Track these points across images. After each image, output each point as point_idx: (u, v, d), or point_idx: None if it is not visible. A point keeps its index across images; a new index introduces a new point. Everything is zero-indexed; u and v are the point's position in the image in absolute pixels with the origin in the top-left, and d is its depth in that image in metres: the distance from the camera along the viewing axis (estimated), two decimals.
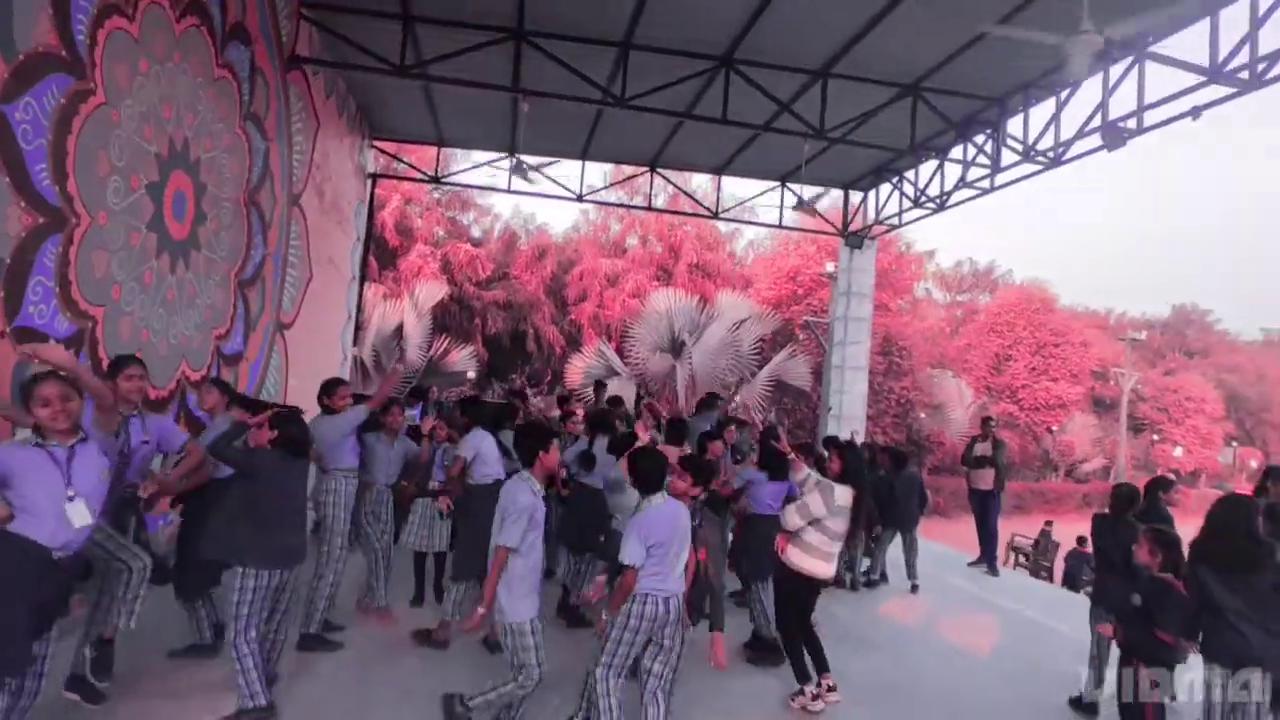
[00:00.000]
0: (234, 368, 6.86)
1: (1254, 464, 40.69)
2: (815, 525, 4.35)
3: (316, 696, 3.90)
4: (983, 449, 9.02)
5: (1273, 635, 3.58)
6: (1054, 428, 31.46)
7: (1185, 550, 4.06)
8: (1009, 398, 31.30)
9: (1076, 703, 4.79)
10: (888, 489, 7.65)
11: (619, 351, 20.91)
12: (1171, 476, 5.54)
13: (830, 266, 17.48)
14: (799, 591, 4.46)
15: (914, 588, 7.63)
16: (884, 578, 7.84)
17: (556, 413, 8.45)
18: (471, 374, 20.19)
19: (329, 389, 5.03)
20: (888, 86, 8.68)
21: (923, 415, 25.48)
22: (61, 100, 3.99)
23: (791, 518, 4.40)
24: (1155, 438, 37.37)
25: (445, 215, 24.17)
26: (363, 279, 12.59)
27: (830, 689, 4.38)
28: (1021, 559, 15.65)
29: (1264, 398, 41.64)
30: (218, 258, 6.24)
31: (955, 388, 27.82)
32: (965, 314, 39.90)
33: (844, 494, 4.38)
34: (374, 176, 12.47)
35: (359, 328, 13.17)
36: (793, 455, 4.83)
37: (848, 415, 13.42)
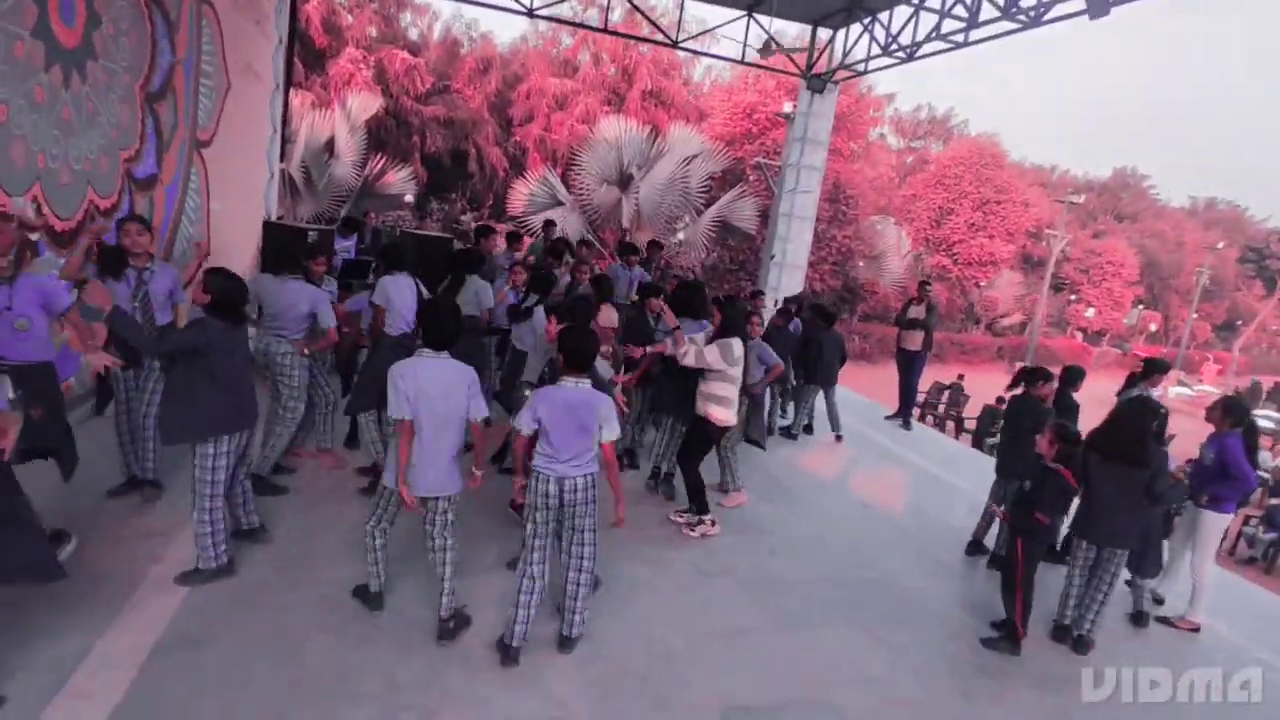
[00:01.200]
0: (148, 192, 6.33)
1: (1153, 327, 43.65)
2: (720, 377, 4.81)
3: (263, 550, 4.01)
4: (916, 312, 9.32)
5: (1135, 518, 4.10)
6: (983, 283, 32.65)
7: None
8: (945, 251, 32.02)
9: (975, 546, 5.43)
10: (816, 347, 7.93)
11: (564, 179, 20.17)
12: (1083, 369, 5.90)
13: (788, 107, 16.78)
14: (710, 436, 5.00)
15: (838, 438, 8.21)
16: (809, 430, 8.35)
17: (501, 247, 8.18)
18: (410, 197, 19.23)
19: (312, 252, 4.88)
20: None
21: (861, 264, 25.94)
22: None
23: (689, 358, 4.75)
24: (1072, 298, 39.34)
25: (378, 14, 21.77)
26: (288, 86, 11.45)
27: (713, 523, 5.11)
28: (930, 416, 16.76)
29: (1177, 264, 43.76)
30: (118, 68, 5.54)
31: (895, 237, 28.16)
32: (916, 162, 39.59)
33: (738, 345, 4.84)
34: None
35: (286, 141, 12.15)
36: (676, 326, 4.96)
37: (791, 263, 13.54)
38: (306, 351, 4.59)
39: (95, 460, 4.20)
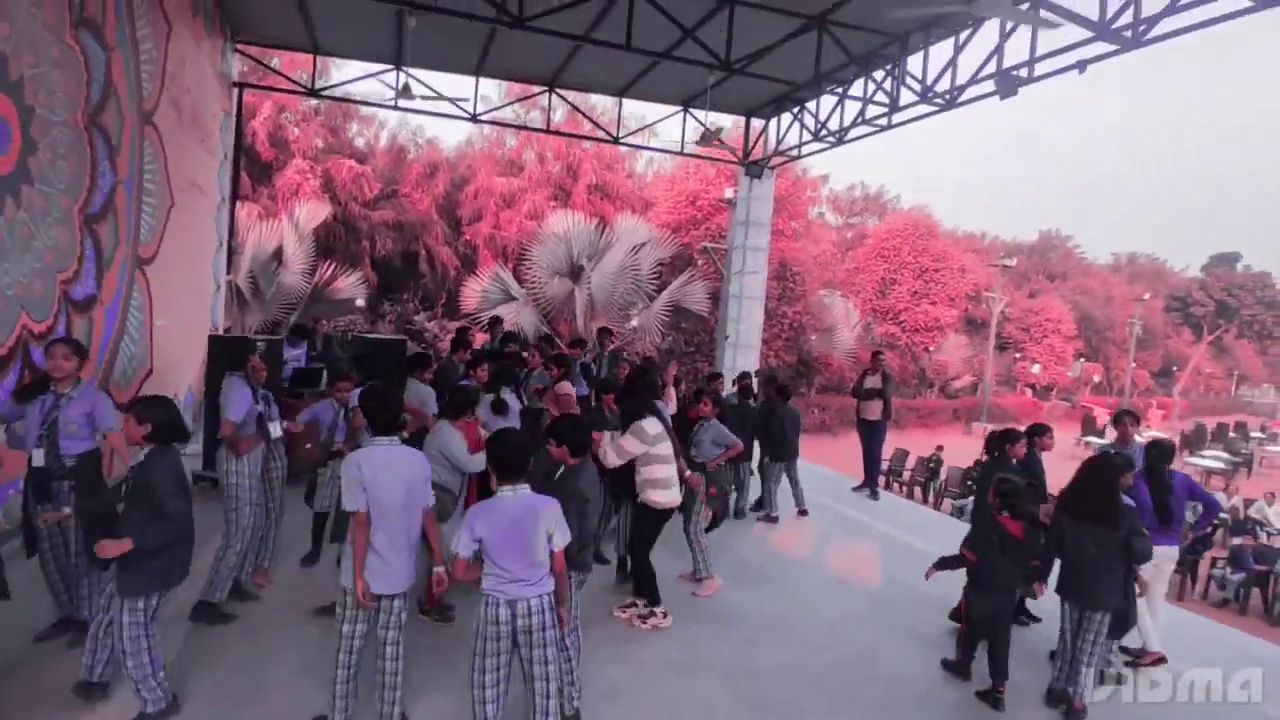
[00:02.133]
0: (86, 314, 6.16)
1: (1096, 378, 45.21)
2: (650, 460, 4.75)
3: (214, 681, 3.72)
4: (873, 382, 9.48)
5: (1114, 579, 4.08)
6: (931, 348, 33.59)
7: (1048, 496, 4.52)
8: (892, 320, 33.00)
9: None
10: (777, 422, 7.93)
11: (516, 274, 20.39)
12: (1047, 425, 6.00)
13: (729, 193, 17.43)
14: (656, 521, 4.89)
15: (802, 512, 8.14)
16: (773, 518, 8.11)
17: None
18: (361, 301, 19.17)
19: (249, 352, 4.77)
20: (793, 17, 8.50)
21: (813, 338, 26.50)
22: None
23: (610, 457, 4.65)
24: (1018, 355, 40.68)
25: (324, 126, 22.27)
26: (234, 199, 11.51)
27: (665, 615, 4.93)
28: (897, 483, 16.87)
29: (1109, 318, 45.81)
30: (55, 191, 5.48)
31: (843, 309, 28.99)
32: (855, 237, 41.25)
33: (651, 423, 4.75)
34: (240, 86, 11.25)
35: (233, 252, 12.11)
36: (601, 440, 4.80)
37: (744, 343, 13.78)
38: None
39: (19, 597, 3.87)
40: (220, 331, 10.65)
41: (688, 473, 5.24)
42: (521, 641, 2.98)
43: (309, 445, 5.21)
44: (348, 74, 13.20)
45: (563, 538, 3.05)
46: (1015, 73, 7.58)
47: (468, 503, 4.94)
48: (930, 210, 37.79)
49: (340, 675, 3.24)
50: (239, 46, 10.93)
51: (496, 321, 9.57)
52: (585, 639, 3.90)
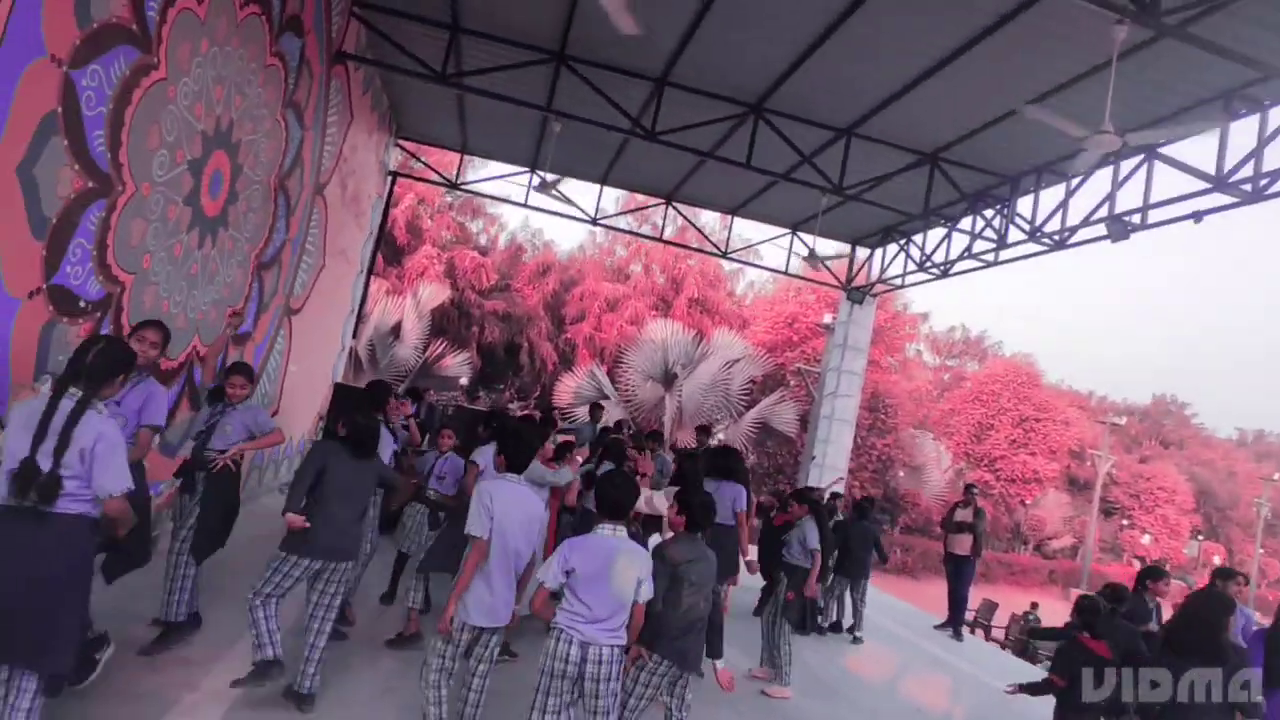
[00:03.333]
0: (241, 347, 6.91)
1: (1216, 559, 41.13)
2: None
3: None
4: (964, 515, 9.18)
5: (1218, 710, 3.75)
6: (1027, 501, 31.76)
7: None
8: (987, 466, 31.61)
9: None
10: (843, 537, 7.73)
11: (610, 376, 21.03)
12: (1164, 567, 5.70)
13: (828, 318, 17.75)
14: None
15: (856, 639, 7.71)
16: (837, 627, 7.88)
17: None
18: (464, 380, 20.22)
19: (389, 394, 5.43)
20: (907, 152, 8.96)
21: (901, 474, 25.69)
22: (126, 72, 4.11)
23: (642, 505, 4.94)
24: (1125, 523, 37.75)
25: (455, 220, 24.33)
26: (370, 273, 12.68)
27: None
28: (980, 631, 15.71)
29: (1232, 495, 42.21)
30: (242, 238, 6.34)
31: (934, 450, 28.10)
32: (953, 379, 40.39)
33: (661, 498, 5.05)
34: (394, 175, 12.63)
35: (359, 320, 13.22)
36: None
37: (830, 465, 13.56)
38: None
39: (143, 592, 4.24)
40: None
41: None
42: (588, 690, 2.93)
43: (414, 481, 5.62)
44: (485, 174, 14.67)
45: (648, 592, 3.05)
46: (1129, 218, 7.67)
47: (547, 536, 5.14)
48: (1034, 359, 36.60)
49: (431, 696, 3.31)
50: (399, 141, 12.39)
51: (597, 407, 9.93)
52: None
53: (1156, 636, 4.46)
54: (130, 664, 3.74)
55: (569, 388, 20.41)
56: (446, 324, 21.52)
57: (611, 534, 3.06)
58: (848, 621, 7.93)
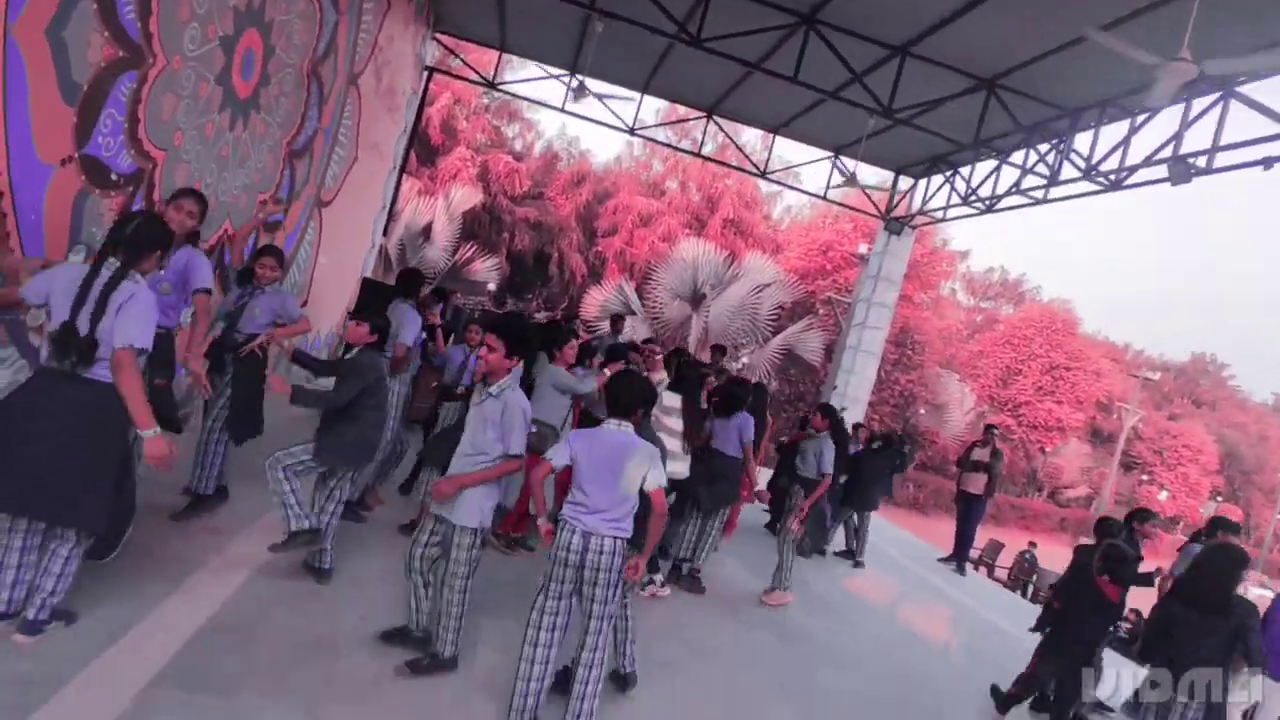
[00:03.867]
0: (271, 235, 6.95)
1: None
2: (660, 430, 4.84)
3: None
4: (981, 455, 9.18)
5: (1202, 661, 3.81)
6: (1048, 449, 31.65)
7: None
8: (1010, 411, 31.39)
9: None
10: (854, 467, 7.73)
11: (638, 292, 20.94)
12: (1153, 512, 5.68)
13: (863, 247, 17.35)
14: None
15: (858, 563, 7.87)
16: (847, 554, 8.04)
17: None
18: (492, 286, 20.28)
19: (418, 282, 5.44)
20: (964, 76, 8.50)
21: (922, 411, 25.63)
22: None
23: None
24: (1144, 478, 37.59)
25: (491, 123, 23.85)
26: (403, 170, 12.57)
27: (663, 584, 5.12)
28: (984, 569, 15.96)
29: (1260, 459, 41.67)
30: (274, 122, 6.27)
31: (959, 390, 27.90)
32: (985, 321, 39.64)
33: (671, 397, 5.05)
34: (430, 70, 12.32)
35: (390, 218, 13.19)
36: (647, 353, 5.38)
37: (851, 396, 13.52)
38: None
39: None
40: None
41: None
42: (587, 578, 2.94)
43: (434, 384, 5.72)
44: (524, 75, 14.22)
45: (658, 478, 3.00)
46: (1194, 160, 7.27)
47: None
48: (1072, 306, 35.58)
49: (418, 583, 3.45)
50: (436, 35, 12.02)
51: (618, 318, 9.92)
52: (644, 621, 3.98)
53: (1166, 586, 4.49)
54: (159, 529, 3.95)
55: (596, 301, 20.39)
56: (477, 228, 21.43)
57: (617, 428, 3.05)
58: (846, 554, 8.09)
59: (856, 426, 9.41)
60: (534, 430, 4.98)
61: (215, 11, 4.80)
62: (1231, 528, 5.64)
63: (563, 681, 3.16)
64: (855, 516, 8.02)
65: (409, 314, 5.07)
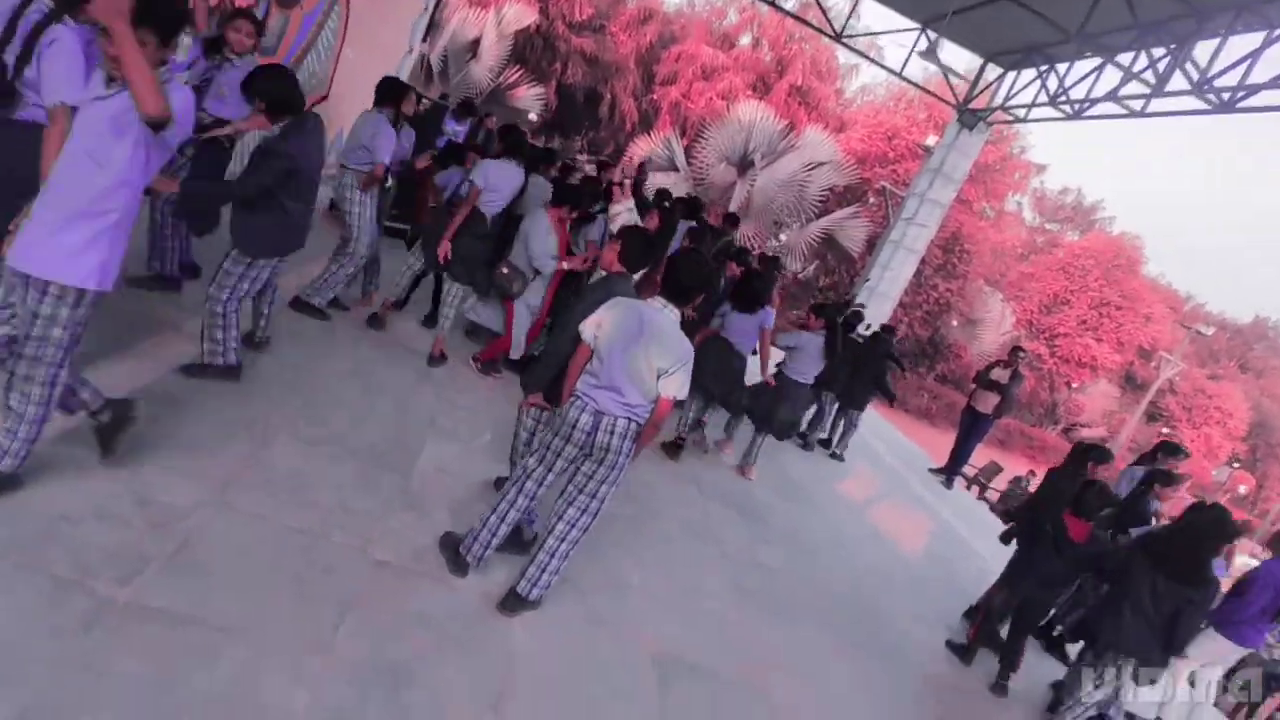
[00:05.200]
0: (286, 10, 6.41)
1: (1242, 489, 40.62)
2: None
3: (283, 359, 3.97)
4: (1000, 375, 8.77)
5: (1155, 633, 3.61)
6: (1074, 385, 30.96)
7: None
8: (1046, 340, 30.46)
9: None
10: (850, 361, 7.26)
11: (687, 151, 19.92)
12: (1110, 452, 5.23)
13: (931, 139, 16.12)
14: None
15: (834, 455, 7.68)
16: (826, 443, 7.87)
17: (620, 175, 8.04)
18: (534, 116, 19.32)
19: (399, 92, 4.72)
20: None
21: (955, 323, 24.91)
22: None
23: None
24: (1165, 430, 36.93)
25: None
26: None
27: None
28: (976, 488, 15.98)
29: None
30: None
31: (999, 310, 26.98)
32: (1046, 243, 37.69)
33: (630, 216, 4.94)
34: None
35: (434, 24, 12.31)
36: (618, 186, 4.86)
37: (882, 292, 12.98)
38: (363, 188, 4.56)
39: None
40: None
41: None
42: (595, 456, 2.72)
43: (431, 204, 5.43)
44: None
45: (675, 386, 2.64)
46: None
47: (543, 306, 4.98)
48: (1140, 245, 33.45)
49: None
50: None
51: (643, 165, 9.35)
52: None
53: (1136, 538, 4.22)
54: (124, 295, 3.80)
55: (641, 150, 19.50)
56: (529, 52, 20.15)
57: (661, 308, 2.68)
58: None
59: (867, 327, 8.71)
60: (504, 270, 4.73)
61: None
62: (1171, 451, 5.34)
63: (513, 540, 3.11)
64: (842, 410, 7.77)
65: (383, 127, 4.52)
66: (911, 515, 7.08)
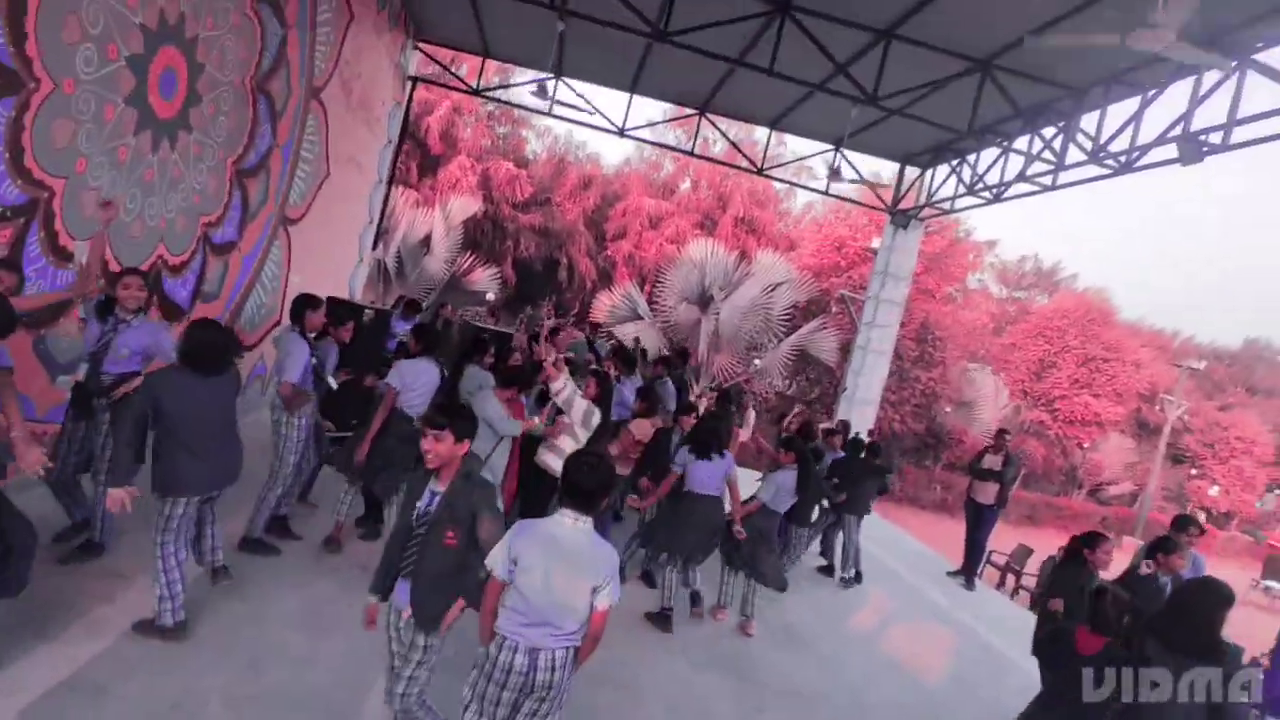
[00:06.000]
0: (223, 257, 6.74)
1: None
2: (568, 431, 4.90)
3: (234, 611, 3.83)
4: (992, 461, 8.63)
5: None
6: (1086, 444, 30.40)
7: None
8: (1045, 406, 30.23)
9: None
10: (845, 471, 7.23)
11: (649, 297, 20.55)
12: (1106, 536, 5.03)
13: (876, 242, 16.74)
14: (545, 489, 4.92)
15: (844, 580, 7.35)
16: (829, 570, 7.60)
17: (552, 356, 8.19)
18: (491, 295, 20.02)
19: (306, 307, 4.70)
20: (957, 58, 7.97)
21: (947, 409, 24.76)
22: None
23: (565, 394, 4.81)
24: (1194, 472, 35.92)
25: (495, 131, 23.68)
26: (390, 182, 12.37)
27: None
28: (1012, 577, 15.18)
29: None
30: (212, 142, 6.04)
31: (992, 385, 26.93)
32: (1018, 312, 38.34)
33: (597, 415, 4.97)
34: (414, 80, 12.11)
35: (384, 232, 13.02)
36: (549, 363, 4.87)
37: (862, 398, 13.00)
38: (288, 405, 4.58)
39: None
40: (357, 300, 11.42)
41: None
42: (536, 695, 2.51)
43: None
44: (516, 80, 13.98)
45: (610, 597, 2.51)
46: (1205, 137, 6.66)
47: (505, 484, 4.93)
48: (1109, 294, 34.15)
49: None
50: (420, 45, 11.80)
51: (634, 342, 9.57)
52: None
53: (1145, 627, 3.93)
54: (54, 569, 3.71)
55: (605, 306, 20.09)
56: (480, 237, 21.25)
57: (572, 524, 2.51)
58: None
59: (831, 432, 8.52)
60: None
61: (116, 31, 4.55)
62: (1181, 525, 5.05)
63: None
64: (835, 527, 7.53)
65: (296, 343, 4.54)
66: (932, 634, 6.65)
